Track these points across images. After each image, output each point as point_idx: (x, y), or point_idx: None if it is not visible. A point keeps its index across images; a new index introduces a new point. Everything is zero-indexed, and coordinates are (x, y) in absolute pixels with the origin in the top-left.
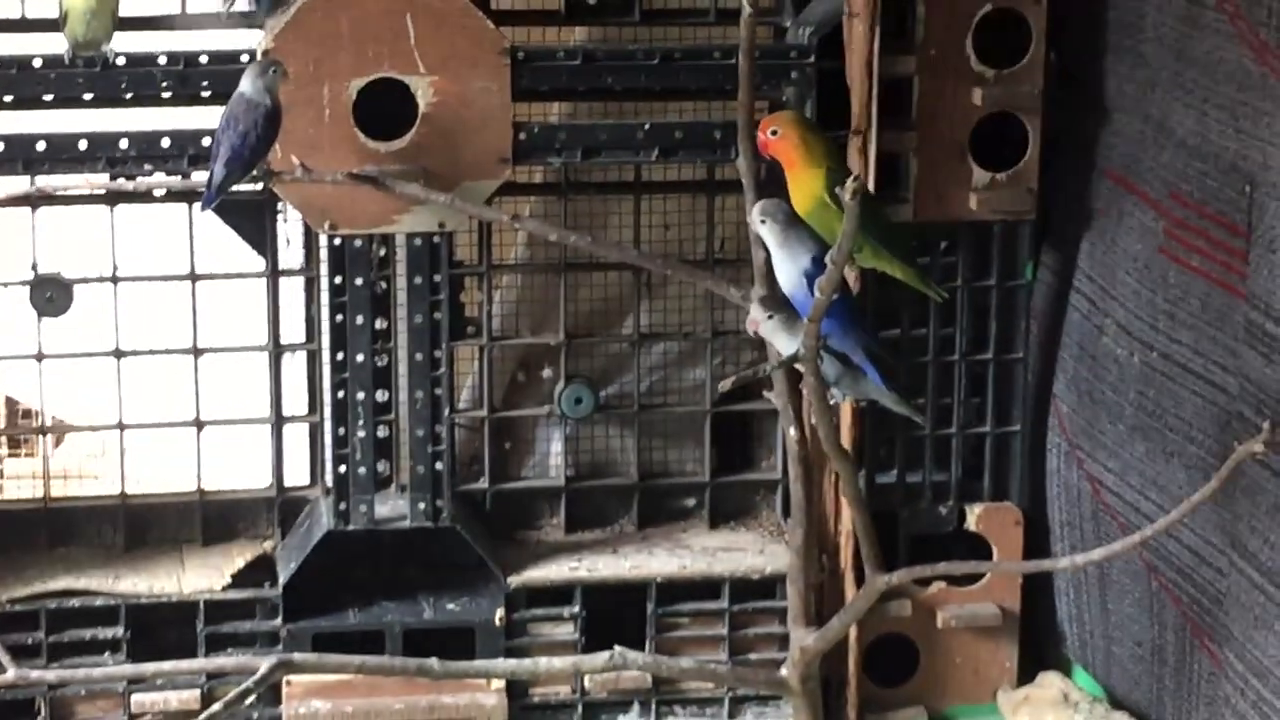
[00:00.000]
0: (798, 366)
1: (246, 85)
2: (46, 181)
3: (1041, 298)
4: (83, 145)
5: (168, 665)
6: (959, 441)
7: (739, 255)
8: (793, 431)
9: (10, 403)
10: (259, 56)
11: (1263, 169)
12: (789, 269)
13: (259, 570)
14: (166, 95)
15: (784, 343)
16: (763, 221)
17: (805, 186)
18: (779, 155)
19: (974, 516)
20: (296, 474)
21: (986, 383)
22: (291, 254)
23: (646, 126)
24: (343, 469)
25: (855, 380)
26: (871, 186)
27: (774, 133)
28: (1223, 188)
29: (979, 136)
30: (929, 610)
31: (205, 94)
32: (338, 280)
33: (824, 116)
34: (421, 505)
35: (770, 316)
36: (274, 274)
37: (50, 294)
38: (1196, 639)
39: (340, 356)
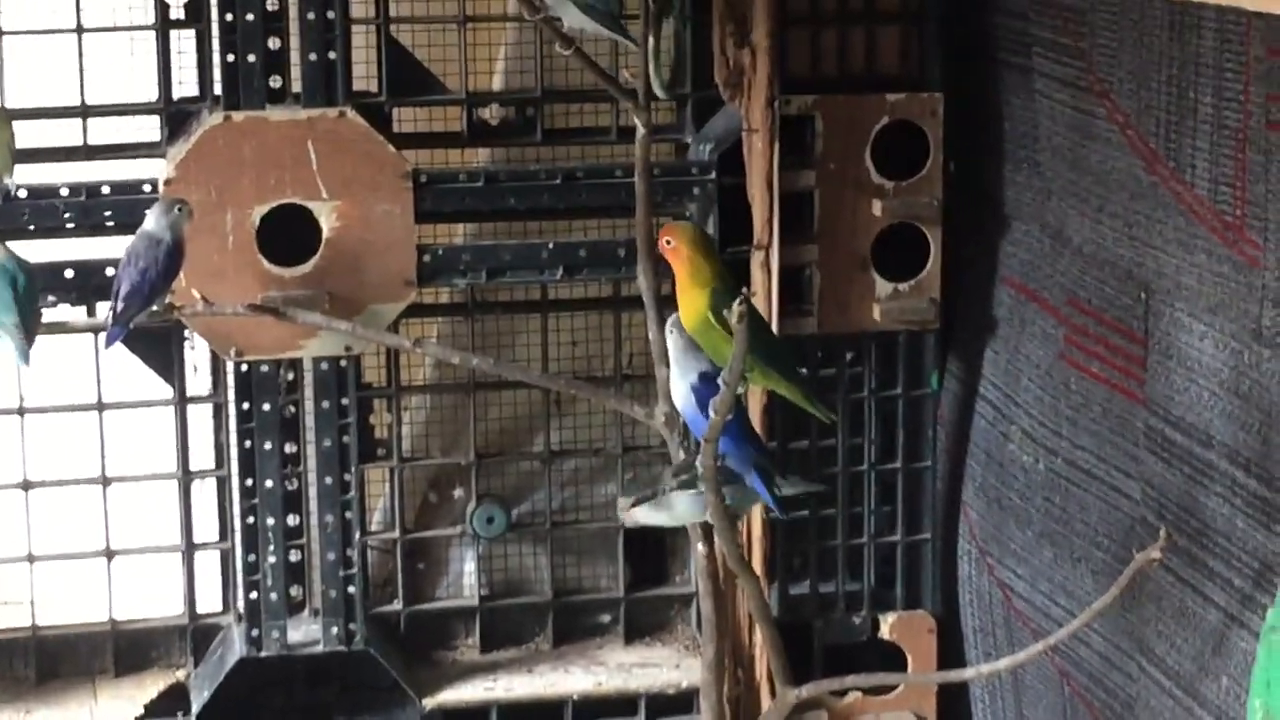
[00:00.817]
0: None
1: (150, 222)
2: None
3: (948, 406)
4: None
5: None
6: (871, 550)
7: (647, 370)
8: (701, 547)
9: None
10: (161, 186)
11: (1157, 276)
12: (679, 385)
13: (173, 699)
14: (69, 226)
15: (664, 520)
16: (669, 332)
17: (691, 304)
18: (672, 266)
19: (888, 625)
20: (209, 601)
21: (896, 491)
22: (199, 381)
23: (551, 246)
24: (254, 595)
25: (745, 493)
26: (775, 300)
27: (668, 243)
28: (1119, 295)
29: (881, 247)
30: None
31: (109, 224)
32: (245, 406)
33: (726, 231)
34: (335, 629)
35: (635, 502)
36: (182, 401)
37: None
38: None
39: (250, 482)
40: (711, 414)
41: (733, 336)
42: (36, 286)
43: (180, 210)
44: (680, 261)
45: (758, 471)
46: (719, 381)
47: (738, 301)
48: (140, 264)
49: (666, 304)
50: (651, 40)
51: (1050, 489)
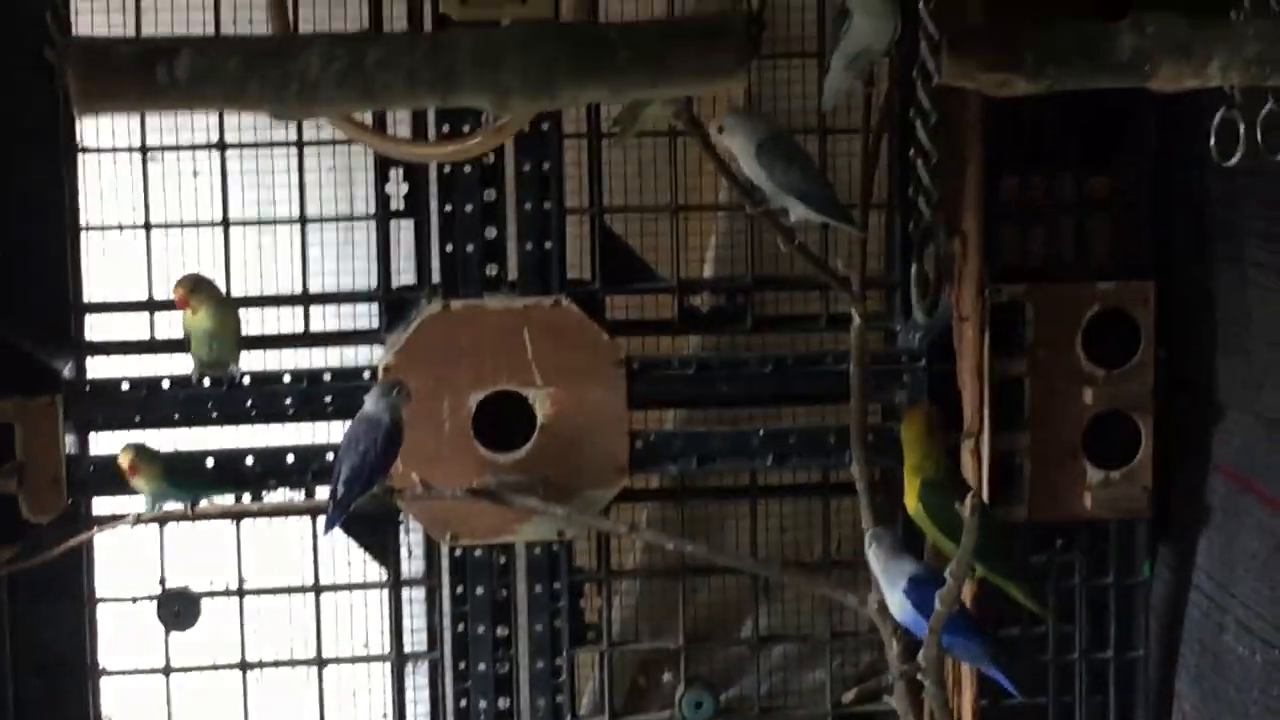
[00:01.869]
0: (919, 677)
1: (370, 404)
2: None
3: (1160, 594)
4: (209, 463)
5: None
6: None
7: (855, 556)
8: None
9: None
10: (380, 373)
11: None
12: (892, 595)
13: None
14: (291, 412)
15: (880, 574)
16: (869, 546)
17: (909, 488)
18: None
19: None
20: None
21: (1108, 680)
22: (414, 564)
23: (761, 433)
24: None
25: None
26: (986, 487)
27: (901, 422)
28: None
29: (1092, 435)
30: None
31: (329, 410)
32: (459, 589)
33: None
34: None
35: (871, 544)
36: (396, 584)
37: (177, 608)
38: None
39: (463, 665)
40: (938, 605)
41: (938, 529)
42: None
43: (398, 393)
44: (905, 442)
45: (991, 661)
46: (946, 575)
47: (970, 496)
48: (360, 446)
49: (879, 489)
50: (915, 266)
51: (1268, 681)
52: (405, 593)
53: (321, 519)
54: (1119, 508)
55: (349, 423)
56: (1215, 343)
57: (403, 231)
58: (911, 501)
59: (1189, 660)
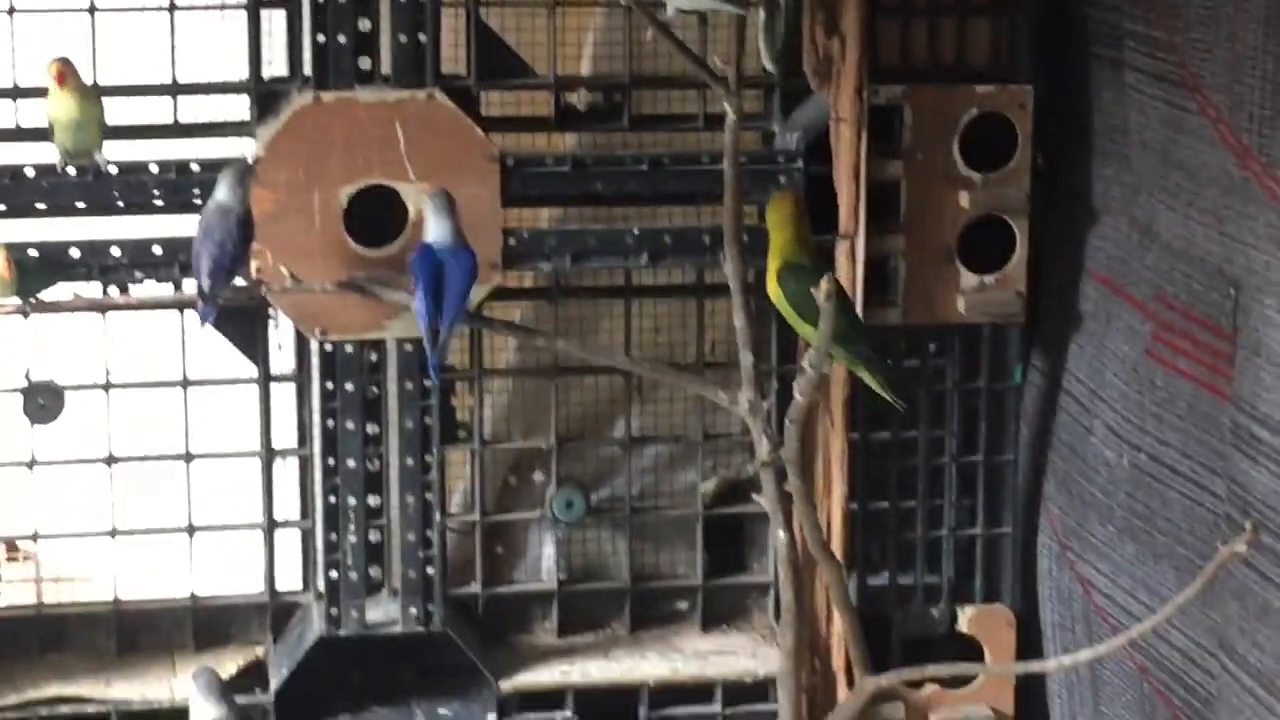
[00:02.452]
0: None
1: (220, 193)
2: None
3: (1031, 399)
4: (74, 254)
5: None
6: (950, 543)
7: (729, 359)
8: (782, 535)
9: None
10: (252, 164)
11: (1247, 272)
12: None
13: (251, 676)
14: (158, 204)
15: None
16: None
17: (770, 273)
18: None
19: (966, 619)
20: (289, 579)
21: (977, 484)
22: (283, 359)
23: (636, 232)
24: (334, 574)
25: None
26: (860, 290)
27: (768, 205)
28: (1208, 291)
29: (967, 240)
30: (922, 713)
31: (197, 202)
32: (329, 386)
33: (813, 220)
34: (413, 610)
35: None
36: (266, 380)
37: (42, 401)
38: None
39: (332, 462)
40: (797, 395)
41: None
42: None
43: (245, 176)
44: (772, 229)
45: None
46: (805, 365)
47: (825, 279)
48: (216, 237)
49: (752, 290)
50: (763, 14)
51: (1133, 485)
52: (274, 389)
53: (189, 313)
54: (992, 312)
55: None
56: (1092, 148)
57: (275, 21)
58: (771, 284)
59: (1057, 465)
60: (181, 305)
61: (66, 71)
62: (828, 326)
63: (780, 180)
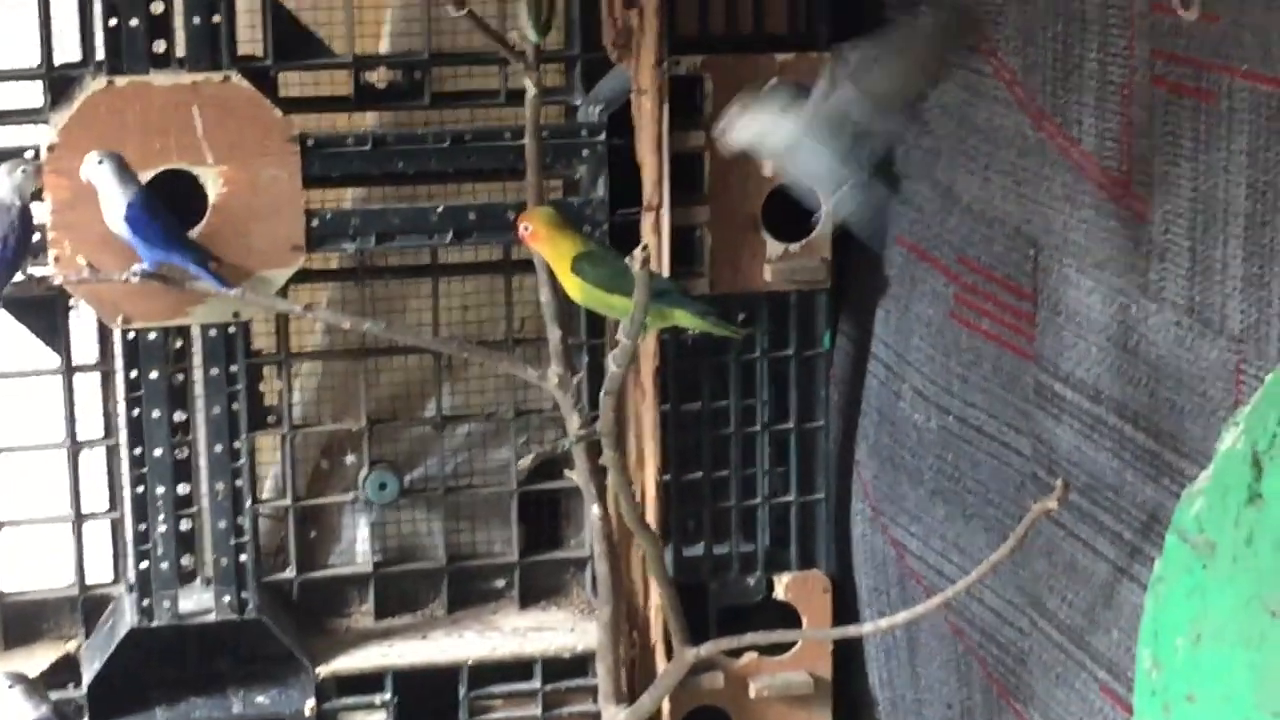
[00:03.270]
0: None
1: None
2: None
3: (840, 365)
4: None
5: None
6: (765, 511)
7: (538, 334)
8: (596, 509)
9: None
10: (44, 152)
11: (1045, 233)
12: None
13: (63, 671)
14: None
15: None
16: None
17: (565, 278)
18: (540, 251)
19: (782, 586)
20: (99, 572)
21: (790, 452)
22: (85, 349)
23: (440, 209)
24: (145, 565)
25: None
26: (666, 262)
27: (525, 229)
28: (1008, 252)
29: (771, 208)
30: (741, 681)
31: None
32: (133, 374)
33: (617, 193)
34: (227, 598)
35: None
36: (68, 370)
37: None
38: (1003, 699)
39: (139, 451)
40: (611, 366)
41: (607, 292)
42: None
43: (25, 171)
44: (542, 243)
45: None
46: (619, 337)
47: (640, 248)
48: None
49: None
50: None
51: (942, 447)
52: (77, 379)
53: None
54: (798, 280)
55: None
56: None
57: (65, 5)
58: (567, 279)
59: (868, 430)
60: None
61: None
62: (643, 294)
63: (583, 153)
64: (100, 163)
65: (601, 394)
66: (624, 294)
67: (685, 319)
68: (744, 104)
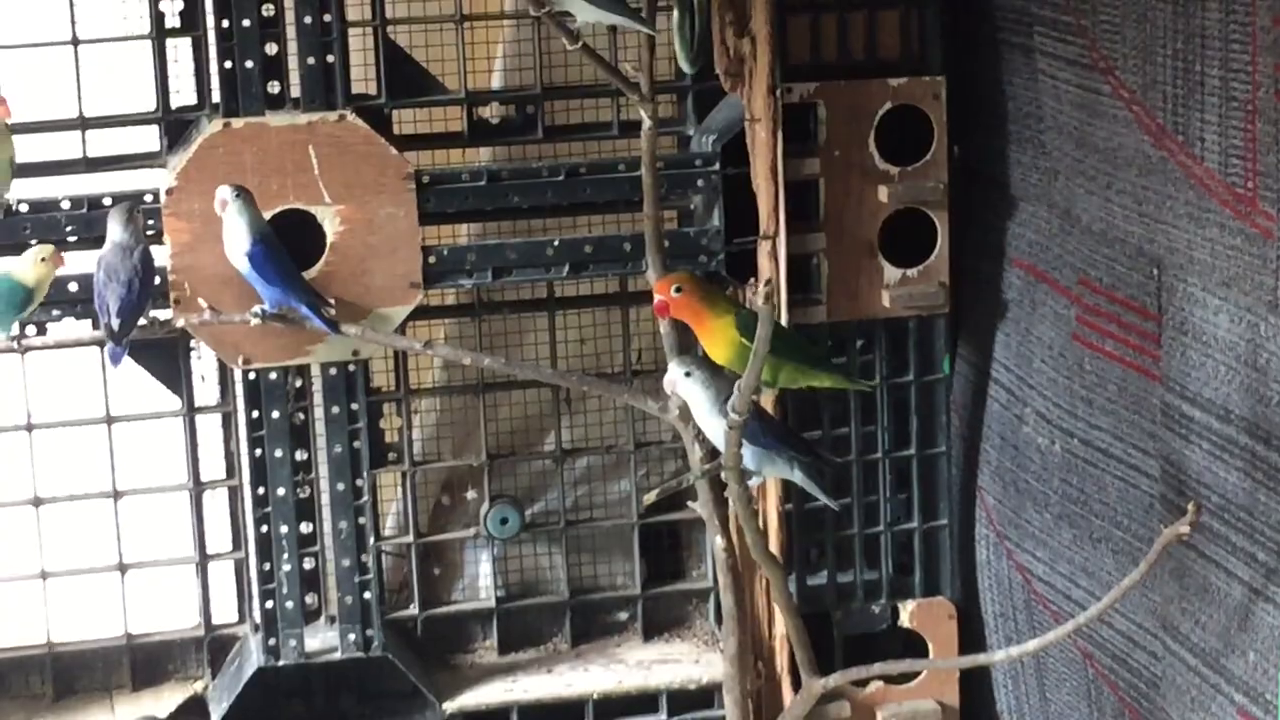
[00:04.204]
0: (722, 476)
1: (115, 233)
2: None
3: (961, 390)
4: None
5: None
6: (888, 539)
7: (656, 365)
8: (720, 541)
9: None
10: (163, 195)
11: (1168, 251)
12: (713, 423)
13: (191, 712)
14: (71, 239)
15: (706, 402)
16: (687, 374)
17: (720, 335)
18: (684, 315)
19: (907, 613)
20: (224, 612)
21: (911, 478)
22: (207, 390)
23: (555, 243)
24: (270, 604)
25: (774, 463)
26: (784, 290)
27: (677, 290)
28: (1131, 272)
29: (888, 234)
30: (868, 710)
31: None
32: (254, 414)
33: (732, 222)
34: (352, 636)
35: (689, 373)
36: (190, 411)
37: None
38: None
39: (261, 491)
40: (731, 413)
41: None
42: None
43: (136, 212)
44: (693, 301)
45: (801, 469)
46: (735, 387)
47: (763, 283)
48: (123, 276)
49: None
50: (676, 14)
51: (1067, 470)
52: (199, 420)
53: (108, 347)
54: (916, 305)
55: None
56: (1008, 136)
57: (180, 49)
58: (730, 334)
59: (990, 454)
60: (100, 342)
61: (4, 109)
62: (766, 331)
63: (698, 183)
64: (237, 196)
65: (725, 429)
66: (784, 353)
67: (827, 380)
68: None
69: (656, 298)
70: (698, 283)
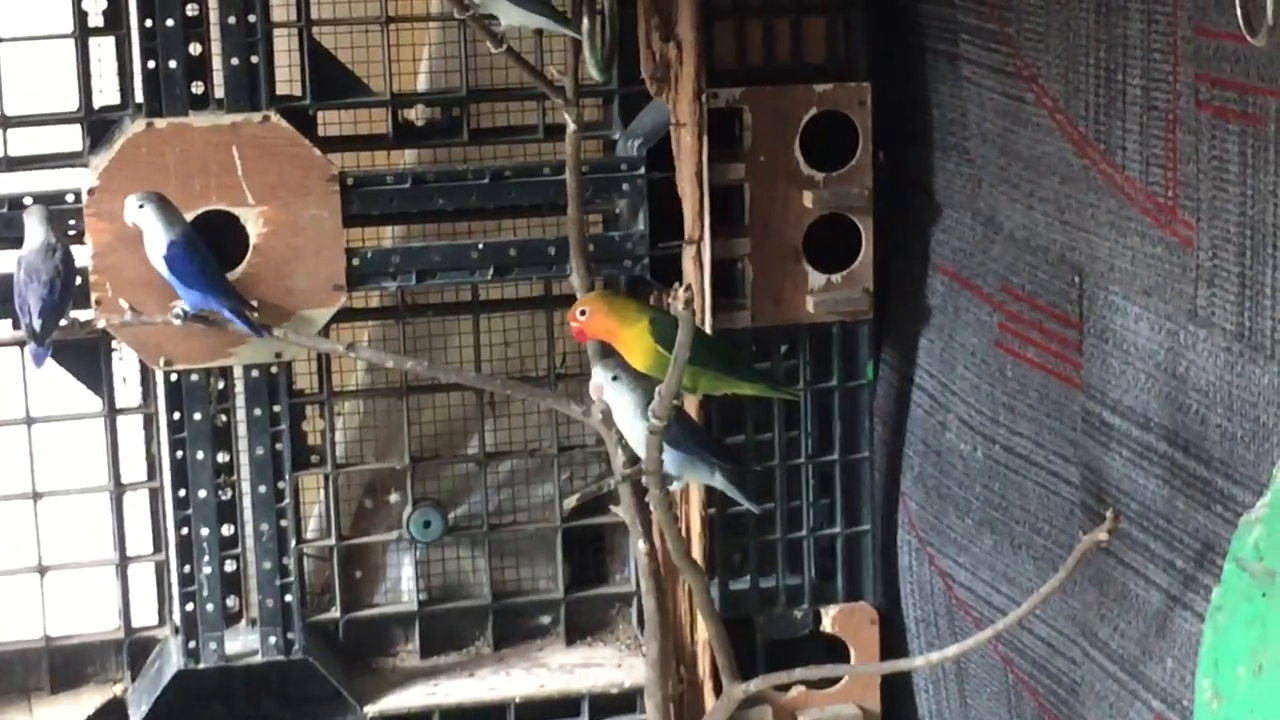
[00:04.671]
0: (643, 481)
1: (35, 234)
2: None
3: (884, 396)
4: None
5: None
6: (810, 544)
7: (582, 369)
8: (642, 545)
9: None
10: (85, 195)
11: (1090, 260)
12: (636, 429)
13: (110, 715)
14: None
15: (630, 407)
16: (614, 379)
17: (635, 344)
18: (598, 334)
19: (829, 618)
20: (145, 614)
21: (834, 483)
22: (128, 391)
23: (480, 246)
24: (191, 606)
25: (695, 468)
26: (708, 294)
27: (582, 314)
28: (1053, 280)
29: (812, 239)
30: (790, 715)
31: None
32: (176, 416)
33: (657, 227)
34: (273, 639)
35: (615, 378)
36: (111, 413)
37: None
38: None
39: (183, 493)
40: (651, 418)
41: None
42: None
43: (50, 217)
44: (602, 325)
45: (722, 474)
46: (656, 392)
47: (684, 288)
48: (44, 277)
49: None
50: (586, 21)
51: (989, 476)
52: (120, 421)
53: (29, 348)
54: (841, 310)
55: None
56: (933, 143)
57: (104, 48)
58: (644, 340)
59: (913, 460)
60: (21, 342)
61: None
62: (686, 334)
63: (623, 187)
64: (141, 206)
65: (646, 434)
66: (701, 360)
67: (749, 388)
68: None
69: (569, 324)
70: (602, 299)
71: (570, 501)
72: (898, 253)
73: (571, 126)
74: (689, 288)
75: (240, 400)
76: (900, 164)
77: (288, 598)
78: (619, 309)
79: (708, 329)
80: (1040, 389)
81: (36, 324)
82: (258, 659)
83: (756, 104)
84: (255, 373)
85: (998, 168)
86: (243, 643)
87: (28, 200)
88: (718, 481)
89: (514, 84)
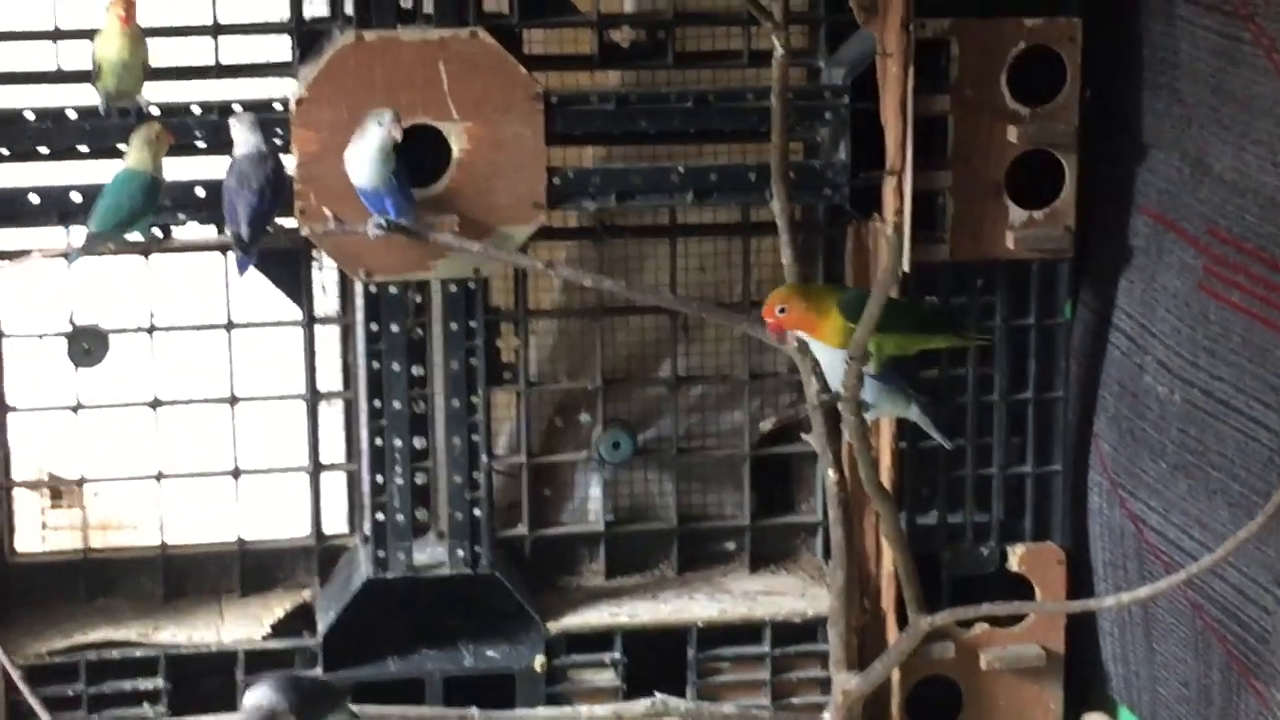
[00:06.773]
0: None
1: (246, 142)
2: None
3: (1081, 336)
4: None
5: (208, 717)
6: (1000, 481)
7: None
8: (832, 473)
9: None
10: (292, 105)
11: None
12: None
13: (298, 620)
14: (200, 145)
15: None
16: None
17: (830, 328)
18: (797, 327)
19: (1016, 557)
20: (335, 522)
21: (1026, 422)
22: (327, 302)
23: (681, 169)
24: (380, 517)
25: (893, 399)
26: (907, 227)
27: (782, 310)
28: (1262, 223)
29: (1015, 175)
30: (972, 652)
31: None
32: (374, 327)
33: (858, 156)
34: (460, 552)
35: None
36: (310, 322)
37: (87, 345)
38: (1243, 678)
39: (377, 404)
40: (853, 349)
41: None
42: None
43: (263, 125)
44: (801, 319)
45: (919, 406)
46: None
47: (891, 225)
48: (254, 184)
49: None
50: None
51: (1186, 420)
52: (319, 331)
53: (232, 255)
54: (1041, 248)
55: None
56: (1142, 81)
57: None
58: (836, 321)
59: (1107, 401)
60: (224, 248)
61: (132, 12)
62: (895, 260)
63: (826, 116)
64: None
65: (846, 358)
66: (895, 329)
67: (938, 340)
68: None
69: (766, 321)
70: (797, 292)
71: (766, 424)
72: (1100, 192)
73: (779, 51)
74: (898, 212)
75: (437, 314)
76: (1106, 102)
77: (476, 512)
78: (813, 300)
79: (905, 264)
80: (1244, 333)
81: (244, 231)
82: (445, 571)
83: (965, 36)
84: (453, 287)
85: (1209, 108)
86: (430, 555)
87: (237, 107)
88: (913, 414)
89: (720, 8)
